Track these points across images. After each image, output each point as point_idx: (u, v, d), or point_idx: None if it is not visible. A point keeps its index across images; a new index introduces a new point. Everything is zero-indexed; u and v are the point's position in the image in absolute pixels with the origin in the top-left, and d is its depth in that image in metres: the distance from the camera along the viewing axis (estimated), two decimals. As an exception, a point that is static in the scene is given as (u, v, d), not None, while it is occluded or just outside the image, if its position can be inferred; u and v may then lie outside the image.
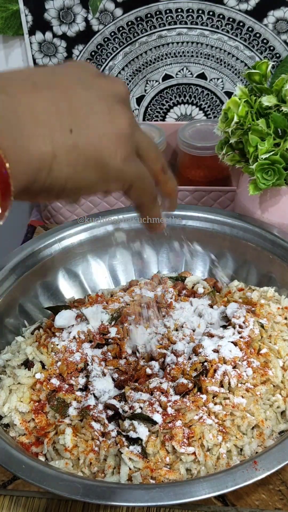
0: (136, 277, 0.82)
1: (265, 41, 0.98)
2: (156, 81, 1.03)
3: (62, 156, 0.40)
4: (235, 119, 0.74)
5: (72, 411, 0.62)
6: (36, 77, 0.42)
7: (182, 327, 0.71)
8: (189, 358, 0.66)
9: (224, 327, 0.70)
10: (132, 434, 0.58)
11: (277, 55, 0.99)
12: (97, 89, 0.44)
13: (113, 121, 0.43)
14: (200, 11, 0.96)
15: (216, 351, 0.66)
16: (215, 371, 0.63)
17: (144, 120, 1.07)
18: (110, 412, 0.62)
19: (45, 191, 0.42)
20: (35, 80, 0.41)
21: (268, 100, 0.74)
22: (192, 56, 1.00)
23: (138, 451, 0.58)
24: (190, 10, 0.96)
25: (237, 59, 1.00)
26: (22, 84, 0.40)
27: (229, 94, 1.02)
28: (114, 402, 0.62)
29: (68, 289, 0.80)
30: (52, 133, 0.40)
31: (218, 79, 1.02)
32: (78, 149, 0.41)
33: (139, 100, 1.05)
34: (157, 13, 0.97)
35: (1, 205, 0.38)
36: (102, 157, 0.42)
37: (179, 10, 0.96)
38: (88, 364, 0.67)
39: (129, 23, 0.98)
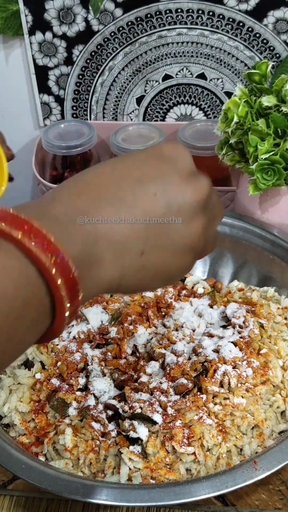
0: None
1: (265, 41, 0.98)
2: (156, 81, 1.03)
3: (131, 274, 0.41)
4: (235, 119, 0.74)
5: (72, 411, 0.62)
6: (115, 191, 0.41)
7: (182, 327, 0.71)
8: (189, 358, 0.66)
9: (224, 327, 0.70)
10: (132, 434, 0.59)
11: (277, 55, 0.99)
12: (180, 201, 0.43)
13: (187, 236, 0.43)
14: (200, 11, 0.96)
15: (216, 351, 0.66)
16: (215, 371, 0.63)
17: (144, 120, 1.07)
18: (110, 412, 0.62)
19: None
20: (112, 197, 0.41)
21: (268, 100, 0.74)
22: (192, 56, 1.00)
23: (138, 451, 0.58)
24: (190, 10, 0.96)
25: (237, 59, 1.00)
26: (103, 206, 0.40)
27: (229, 94, 1.02)
28: (114, 402, 0.62)
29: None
30: (123, 257, 0.40)
31: (218, 79, 1.02)
32: (146, 268, 0.42)
33: (139, 100, 1.05)
34: (157, 13, 0.97)
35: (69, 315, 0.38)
36: (170, 272, 0.43)
37: (179, 10, 0.96)
38: (88, 364, 0.67)
39: (129, 23, 0.98)
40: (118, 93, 1.04)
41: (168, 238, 0.42)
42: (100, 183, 0.41)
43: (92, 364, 0.67)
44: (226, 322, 0.71)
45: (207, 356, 0.65)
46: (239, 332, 0.68)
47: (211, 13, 0.96)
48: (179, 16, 0.97)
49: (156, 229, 0.41)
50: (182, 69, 1.02)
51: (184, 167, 0.44)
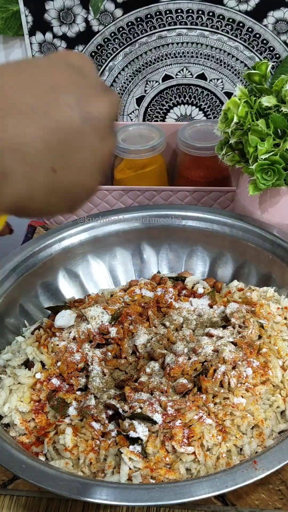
0: (136, 277, 0.82)
1: (265, 41, 0.98)
2: (156, 81, 1.03)
3: (39, 194, 0.37)
4: (235, 119, 0.74)
5: (72, 411, 0.63)
6: (24, 98, 0.36)
7: (182, 327, 0.71)
8: (189, 358, 0.66)
9: (224, 327, 0.70)
10: (132, 434, 0.59)
11: (277, 55, 0.99)
12: (96, 115, 0.39)
13: (101, 154, 0.39)
14: (200, 12, 0.96)
15: (215, 351, 0.66)
16: (214, 371, 0.63)
17: (144, 120, 1.07)
18: (110, 412, 0.62)
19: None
20: (21, 103, 0.36)
21: (268, 101, 0.74)
22: (192, 56, 1.00)
23: (138, 451, 0.58)
24: (190, 11, 0.96)
25: (237, 59, 1.00)
26: (12, 112, 0.35)
27: (229, 95, 1.03)
28: (114, 402, 0.62)
29: (68, 289, 0.80)
30: (33, 173, 0.36)
31: (218, 79, 1.02)
32: (57, 188, 0.38)
33: (139, 100, 1.05)
34: (157, 13, 0.97)
35: None
36: (79, 194, 0.39)
37: (179, 11, 0.96)
38: (88, 364, 0.67)
39: (129, 24, 0.98)
40: (118, 93, 1.04)
41: (83, 155, 0.38)
42: (6, 86, 0.36)
43: (92, 364, 0.67)
44: (226, 322, 0.71)
45: (206, 356, 0.65)
46: (239, 332, 0.68)
47: (211, 14, 0.96)
48: (179, 17, 0.97)
49: (71, 144, 0.37)
50: (182, 70, 1.02)
51: (97, 80, 0.40)
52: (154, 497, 0.52)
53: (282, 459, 0.54)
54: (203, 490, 0.52)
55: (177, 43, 1.00)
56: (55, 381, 0.65)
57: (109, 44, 1.00)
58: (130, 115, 1.06)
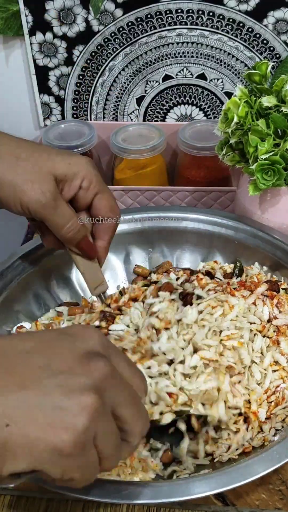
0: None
1: (265, 41, 0.98)
2: (156, 81, 1.03)
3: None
4: (235, 119, 0.74)
5: None
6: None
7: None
8: None
9: None
10: None
11: (277, 55, 0.99)
12: (65, 375, 0.40)
13: (66, 409, 0.39)
14: (200, 12, 0.96)
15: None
16: None
17: (144, 120, 1.07)
18: None
19: None
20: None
21: (268, 101, 0.74)
22: (192, 56, 1.00)
23: None
24: (190, 11, 0.96)
25: (237, 59, 1.00)
26: None
27: (229, 95, 1.03)
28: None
29: (64, 293, 0.80)
30: None
31: (218, 79, 1.02)
32: (9, 444, 0.38)
33: (139, 100, 1.05)
34: (157, 13, 0.97)
35: None
36: (39, 451, 0.39)
37: (179, 11, 0.96)
38: None
39: (129, 24, 0.98)
40: (118, 93, 1.04)
41: (42, 409, 0.39)
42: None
43: None
44: None
45: None
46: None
47: (211, 14, 0.96)
48: (179, 17, 0.97)
49: (30, 398, 0.39)
50: (182, 70, 1.02)
51: (83, 345, 0.42)
52: (155, 495, 0.52)
53: (280, 459, 0.54)
54: (202, 488, 0.52)
55: (177, 43, 1.00)
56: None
57: (109, 44, 1.00)
58: (130, 115, 1.06)
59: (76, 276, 0.79)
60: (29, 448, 0.38)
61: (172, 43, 1.00)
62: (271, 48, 0.98)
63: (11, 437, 0.38)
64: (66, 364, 0.41)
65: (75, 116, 1.07)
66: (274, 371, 0.64)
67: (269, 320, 0.68)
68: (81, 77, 1.03)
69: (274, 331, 0.67)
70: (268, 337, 0.66)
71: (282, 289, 0.71)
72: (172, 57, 1.01)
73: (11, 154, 0.62)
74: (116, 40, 1.00)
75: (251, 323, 0.66)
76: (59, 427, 0.39)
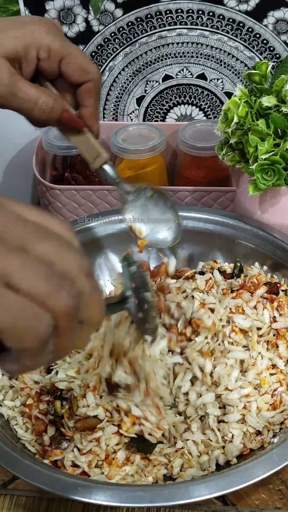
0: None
1: (265, 41, 0.98)
2: (156, 81, 1.03)
3: None
4: (235, 119, 0.74)
5: None
6: None
7: None
8: None
9: None
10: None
11: (277, 55, 0.99)
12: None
13: None
14: (200, 12, 0.96)
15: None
16: None
17: (144, 120, 1.07)
18: None
19: None
20: None
21: (268, 101, 0.74)
22: (192, 56, 1.00)
23: None
24: (190, 11, 0.96)
25: (237, 59, 1.00)
26: None
27: (229, 95, 1.02)
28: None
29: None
30: None
31: (218, 79, 1.02)
32: None
33: (139, 100, 1.05)
34: (157, 13, 0.97)
35: None
36: None
37: (179, 11, 0.96)
38: None
39: (129, 24, 0.98)
40: (118, 93, 1.04)
41: None
42: None
43: None
44: None
45: None
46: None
47: (211, 14, 0.96)
48: (179, 17, 0.97)
49: None
50: (182, 70, 1.02)
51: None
52: (154, 498, 0.52)
53: (279, 462, 0.54)
54: (203, 491, 0.52)
55: (177, 43, 1.00)
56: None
57: (109, 44, 1.00)
58: (130, 115, 1.06)
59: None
60: None
61: (172, 43, 1.00)
62: (271, 48, 0.98)
63: None
64: None
65: (75, 116, 1.07)
66: (272, 374, 0.64)
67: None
68: (81, 77, 1.03)
69: (273, 335, 0.66)
70: (267, 341, 0.66)
71: (282, 290, 0.71)
72: (172, 57, 1.01)
73: None
74: (116, 40, 1.00)
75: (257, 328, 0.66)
76: None
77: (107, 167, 0.65)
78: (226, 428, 0.60)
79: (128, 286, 0.51)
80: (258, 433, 0.61)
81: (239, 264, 0.76)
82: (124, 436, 0.60)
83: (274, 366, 0.65)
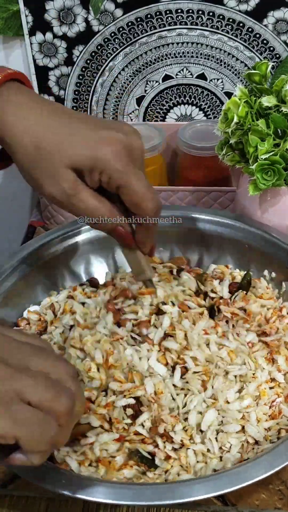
0: None
1: (265, 41, 0.98)
2: (156, 81, 1.03)
3: None
4: (235, 119, 0.74)
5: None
6: None
7: None
8: None
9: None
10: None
11: (277, 55, 0.99)
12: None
13: None
14: (200, 12, 0.96)
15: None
16: None
17: (144, 120, 1.07)
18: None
19: None
20: None
21: (268, 101, 0.74)
22: (192, 56, 1.00)
23: None
24: (190, 11, 0.96)
25: (237, 59, 1.00)
26: None
27: (229, 95, 1.03)
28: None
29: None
30: None
31: (218, 79, 1.02)
32: None
33: (139, 100, 1.05)
34: (157, 13, 0.97)
35: None
36: None
37: (179, 11, 0.96)
38: None
39: (129, 24, 0.98)
40: (118, 93, 1.04)
41: None
42: None
43: None
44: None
45: None
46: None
47: (211, 14, 0.96)
48: (179, 17, 0.97)
49: None
50: (182, 70, 1.02)
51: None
52: (154, 496, 0.52)
53: (277, 464, 0.54)
54: (203, 490, 0.52)
55: (177, 43, 1.00)
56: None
57: (109, 44, 1.00)
58: (130, 115, 1.06)
59: (73, 277, 0.80)
60: None
61: (172, 43, 1.00)
62: (271, 48, 0.98)
63: None
64: None
65: (75, 116, 1.07)
66: (271, 388, 0.64)
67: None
68: (81, 77, 1.03)
69: (268, 352, 0.67)
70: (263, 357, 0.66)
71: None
72: (172, 57, 1.01)
73: (32, 136, 0.58)
74: (116, 40, 1.00)
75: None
76: None
77: (148, 282, 0.70)
78: (225, 437, 0.59)
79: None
80: (256, 442, 0.61)
81: (248, 278, 0.75)
82: (126, 441, 0.60)
83: (273, 379, 0.65)
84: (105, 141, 0.57)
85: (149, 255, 0.66)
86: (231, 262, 0.80)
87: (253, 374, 0.65)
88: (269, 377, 0.65)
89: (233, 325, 0.69)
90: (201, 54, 1.00)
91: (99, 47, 1.01)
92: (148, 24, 0.98)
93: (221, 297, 0.73)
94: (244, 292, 0.74)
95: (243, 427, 0.61)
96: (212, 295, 0.73)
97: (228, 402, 0.62)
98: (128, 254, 0.65)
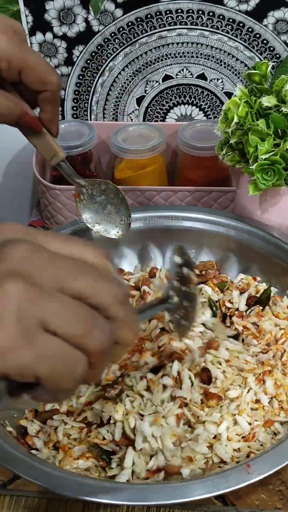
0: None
1: (265, 41, 0.98)
2: (156, 81, 1.03)
3: None
4: (235, 119, 0.74)
5: None
6: None
7: None
8: None
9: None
10: None
11: (277, 55, 0.99)
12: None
13: None
14: (200, 12, 0.96)
15: None
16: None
17: (144, 120, 1.07)
18: None
19: None
20: None
21: (268, 101, 0.74)
22: (192, 56, 1.00)
23: None
24: (190, 11, 0.96)
25: (237, 59, 1.00)
26: None
27: (229, 95, 1.02)
28: None
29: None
30: None
31: (218, 79, 1.02)
32: None
33: (139, 100, 1.05)
34: (157, 13, 0.97)
35: None
36: None
37: (179, 11, 0.96)
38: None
39: (129, 24, 0.98)
40: (118, 93, 1.04)
41: None
42: None
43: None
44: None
45: None
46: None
47: (211, 14, 0.96)
48: (179, 17, 0.97)
49: None
50: (182, 70, 1.02)
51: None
52: (154, 496, 0.52)
53: (276, 464, 0.54)
54: (201, 490, 0.53)
55: (177, 43, 1.00)
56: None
57: (109, 44, 1.00)
58: (130, 115, 1.06)
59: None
60: None
61: (172, 43, 1.00)
62: (271, 48, 0.98)
63: None
64: None
65: (75, 116, 1.07)
66: (253, 409, 0.62)
67: None
68: (81, 77, 1.03)
69: (261, 372, 0.65)
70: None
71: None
72: (172, 57, 1.01)
73: None
74: (116, 40, 1.00)
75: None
76: None
77: (63, 164, 0.71)
78: (189, 452, 0.59)
79: (172, 284, 0.52)
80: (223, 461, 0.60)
81: (268, 293, 0.73)
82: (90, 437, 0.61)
83: (258, 401, 0.63)
84: None
85: (55, 136, 0.69)
86: (259, 274, 0.78)
87: (240, 393, 0.62)
88: (254, 398, 0.63)
89: (243, 340, 0.69)
90: (201, 54, 1.00)
91: (99, 47, 1.01)
92: (148, 24, 0.98)
93: (237, 309, 0.72)
94: (261, 307, 0.73)
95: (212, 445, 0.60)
96: (228, 305, 0.73)
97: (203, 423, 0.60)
98: (38, 141, 0.68)
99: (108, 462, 0.59)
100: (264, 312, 0.72)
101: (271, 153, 0.72)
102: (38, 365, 0.36)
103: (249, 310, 0.72)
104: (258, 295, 0.74)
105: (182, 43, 0.99)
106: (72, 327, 0.36)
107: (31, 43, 1.00)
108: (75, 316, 0.36)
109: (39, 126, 0.66)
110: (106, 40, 1.00)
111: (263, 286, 0.76)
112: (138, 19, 0.98)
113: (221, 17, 0.96)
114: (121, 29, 0.99)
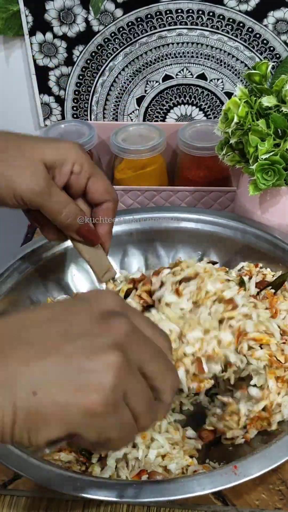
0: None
1: (265, 41, 0.98)
2: (156, 81, 1.03)
3: (21, 418, 0.38)
4: (235, 119, 0.74)
5: None
6: (19, 332, 0.40)
7: None
8: None
9: None
10: None
11: (277, 55, 0.99)
12: (84, 337, 0.40)
13: (93, 370, 0.39)
14: (200, 12, 0.96)
15: None
16: None
17: (144, 120, 1.07)
18: None
19: None
20: (15, 337, 0.40)
21: (268, 101, 0.74)
22: (192, 56, 1.00)
23: None
24: (190, 11, 0.96)
25: (237, 59, 1.00)
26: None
27: (229, 95, 1.03)
28: None
29: (79, 284, 0.79)
30: (13, 395, 0.38)
31: (218, 79, 1.02)
32: (39, 411, 0.39)
33: (139, 100, 1.05)
34: (157, 13, 0.97)
35: None
36: (70, 416, 0.39)
37: (179, 11, 0.97)
38: None
39: (129, 24, 0.98)
40: (119, 93, 1.04)
41: (67, 374, 0.39)
42: (7, 325, 0.41)
43: None
44: None
45: None
46: None
47: (211, 14, 0.96)
48: (179, 17, 0.97)
49: (54, 365, 0.39)
50: (182, 70, 1.02)
51: (100, 306, 0.42)
52: (153, 493, 0.52)
53: (263, 466, 0.54)
54: (201, 486, 0.53)
55: (177, 43, 1.00)
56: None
57: (109, 44, 1.00)
58: (130, 115, 1.06)
59: (72, 280, 0.79)
60: (60, 414, 0.39)
61: (172, 43, 1.00)
62: (271, 48, 0.98)
63: (41, 405, 0.38)
64: (84, 327, 0.41)
65: (75, 116, 1.07)
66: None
67: None
68: (81, 77, 1.03)
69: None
70: None
71: None
72: (172, 57, 1.01)
73: None
74: (116, 40, 1.00)
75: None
76: (87, 389, 0.39)
77: (112, 281, 0.71)
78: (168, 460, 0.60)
79: None
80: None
81: (285, 279, 0.71)
82: None
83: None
84: (68, 143, 0.64)
85: (107, 251, 0.69)
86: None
87: None
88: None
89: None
90: (201, 54, 1.00)
91: (99, 47, 1.01)
92: (148, 24, 0.98)
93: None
94: (273, 290, 0.70)
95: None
96: None
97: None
98: (91, 254, 0.68)
99: (88, 458, 0.60)
100: (277, 297, 0.71)
101: (271, 153, 0.72)
102: (112, 431, 0.41)
103: (261, 292, 0.71)
104: (266, 280, 0.73)
105: (182, 43, 0.99)
106: (139, 406, 0.42)
107: (31, 43, 1.00)
108: (144, 396, 0.42)
109: (97, 239, 0.67)
110: (106, 40, 1.00)
111: (268, 272, 0.74)
112: (138, 19, 0.98)
113: (221, 17, 0.96)
114: (121, 29, 0.99)
